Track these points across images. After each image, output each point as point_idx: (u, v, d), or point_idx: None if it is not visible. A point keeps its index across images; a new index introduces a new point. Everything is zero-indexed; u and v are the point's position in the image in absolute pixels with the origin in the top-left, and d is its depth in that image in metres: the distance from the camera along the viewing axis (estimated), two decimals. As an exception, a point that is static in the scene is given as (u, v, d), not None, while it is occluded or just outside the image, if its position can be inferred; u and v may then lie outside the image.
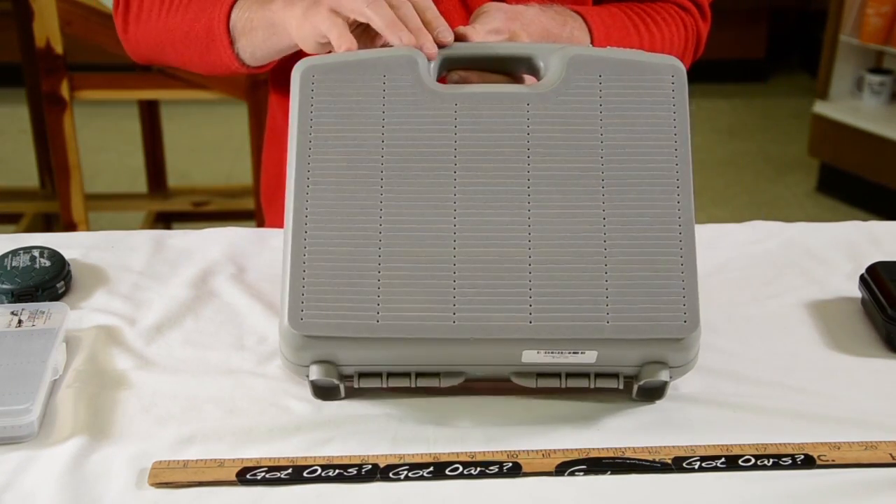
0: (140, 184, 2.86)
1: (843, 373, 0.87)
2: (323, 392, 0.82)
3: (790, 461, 0.76)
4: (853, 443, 0.78)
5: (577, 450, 0.77)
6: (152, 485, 0.73)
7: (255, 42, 0.99)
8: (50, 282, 0.95)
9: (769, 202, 3.17)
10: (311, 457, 0.76)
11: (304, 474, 0.74)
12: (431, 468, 0.75)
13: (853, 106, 3.09)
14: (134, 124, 2.76)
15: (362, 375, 0.80)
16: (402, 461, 0.76)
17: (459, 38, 0.90)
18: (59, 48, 2.06)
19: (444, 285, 0.78)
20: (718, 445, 0.77)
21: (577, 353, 0.78)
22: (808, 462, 0.76)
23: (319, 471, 0.75)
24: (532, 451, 0.77)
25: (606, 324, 0.77)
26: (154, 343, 0.90)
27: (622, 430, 0.80)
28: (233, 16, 1.00)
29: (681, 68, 0.84)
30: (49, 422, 0.79)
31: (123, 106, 3.15)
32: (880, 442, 0.78)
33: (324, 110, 0.82)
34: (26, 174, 2.93)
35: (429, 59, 0.84)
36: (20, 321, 0.87)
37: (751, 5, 3.87)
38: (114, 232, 1.09)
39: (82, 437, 0.77)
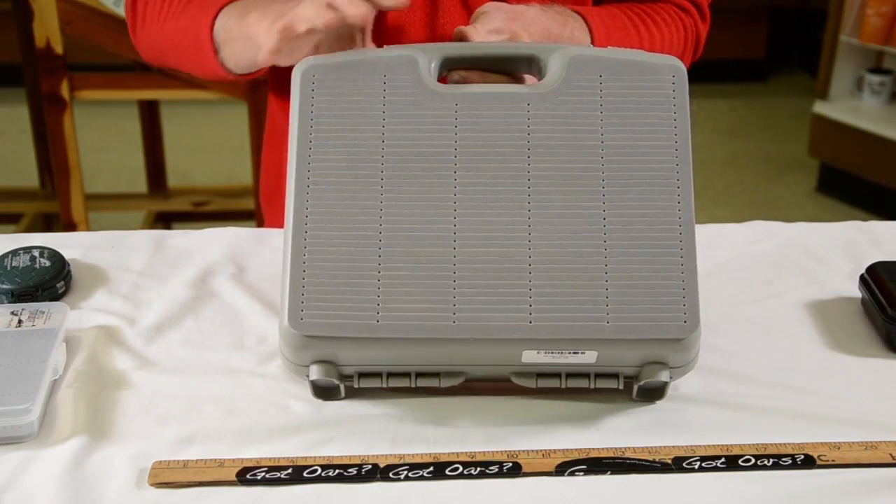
0: (140, 184, 2.86)
1: (843, 373, 0.87)
2: (323, 392, 0.82)
3: (790, 461, 0.76)
4: (853, 443, 0.78)
5: (577, 450, 0.77)
6: (152, 485, 0.73)
7: (236, 53, 0.99)
8: (50, 282, 0.95)
9: (769, 202, 3.17)
10: (311, 457, 0.76)
11: (304, 474, 0.74)
12: (431, 468, 0.75)
13: (853, 106, 3.09)
14: (134, 124, 2.76)
15: (362, 375, 0.80)
16: (402, 461, 0.76)
17: (460, 37, 0.90)
18: (59, 48, 2.06)
19: (444, 285, 0.78)
20: (718, 445, 0.77)
21: (577, 353, 0.78)
22: (808, 462, 0.76)
23: (319, 471, 0.75)
24: (532, 451, 0.77)
25: (606, 324, 0.77)
26: (154, 343, 0.90)
27: (622, 430, 0.80)
28: (216, 24, 1.00)
29: (681, 68, 0.84)
30: (49, 422, 0.79)
31: (123, 106, 3.15)
32: (880, 442, 0.78)
33: (324, 110, 0.83)
34: (26, 174, 2.93)
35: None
36: (20, 321, 0.87)
37: (751, 5, 3.87)
38: (114, 232, 1.09)
39: (82, 437, 0.77)
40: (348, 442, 0.78)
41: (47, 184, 2.59)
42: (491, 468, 0.75)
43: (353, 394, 0.82)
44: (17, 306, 0.89)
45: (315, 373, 0.79)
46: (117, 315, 0.93)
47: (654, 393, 0.82)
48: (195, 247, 1.04)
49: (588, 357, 0.78)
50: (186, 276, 0.99)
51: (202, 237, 1.06)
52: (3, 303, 0.93)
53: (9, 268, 0.95)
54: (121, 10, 2.08)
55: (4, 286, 0.93)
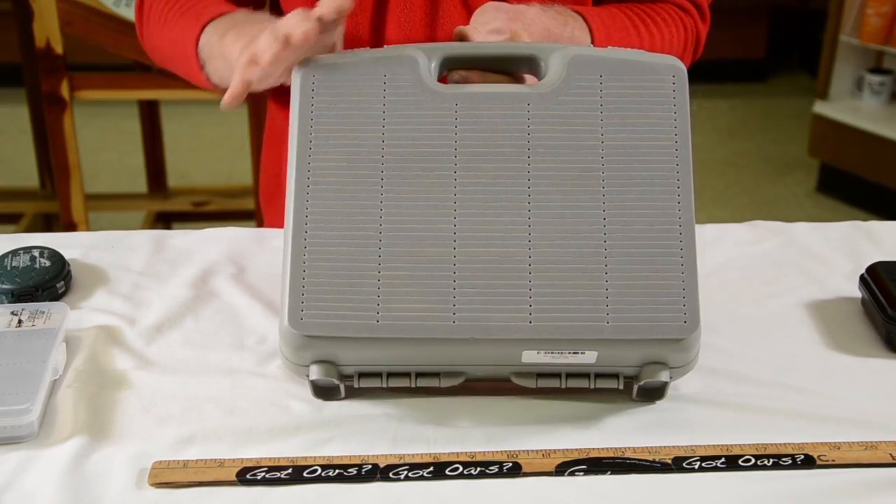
0: (140, 184, 2.85)
1: (843, 373, 0.87)
2: (323, 392, 0.82)
3: (790, 461, 0.76)
4: (853, 443, 0.78)
5: (577, 450, 0.77)
6: (152, 485, 0.73)
7: (218, 70, 0.99)
8: (50, 282, 0.95)
9: (769, 202, 3.17)
10: (311, 457, 0.76)
11: (304, 474, 0.74)
12: (431, 468, 0.75)
13: (853, 106, 3.09)
14: (134, 124, 2.76)
15: (362, 375, 0.80)
16: (402, 461, 0.76)
17: (460, 37, 0.90)
18: (59, 48, 2.06)
19: (444, 285, 0.78)
20: (718, 445, 0.77)
21: (577, 353, 0.78)
22: (808, 462, 0.76)
23: (319, 471, 0.74)
24: (532, 451, 0.77)
25: (606, 324, 0.77)
26: (154, 343, 0.90)
27: (622, 430, 0.80)
28: (201, 40, 1.00)
29: (681, 68, 0.84)
30: (49, 422, 0.79)
31: (123, 106, 3.15)
32: (880, 442, 0.78)
33: (324, 110, 0.82)
34: (26, 174, 2.93)
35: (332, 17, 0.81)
36: (20, 321, 0.87)
37: (751, 5, 3.87)
38: (114, 232, 1.09)
39: (82, 437, 0.77)
40: (348, 442, 0.78)
41: (47, 184, 2.59)
42: (491, 468, 0.75)
43: (353, 394, 0.82)
44: (17, 306, 0.89)
45: (315, 373, 0.79)
46: (117, 315, 0.93)
47: (654, 393, 0.82)
48: (195, 247, 1.04)
49: (588, 357, 0.78)
50: (186, 276, 0.99)
51: (202, 237, 1.06)
52: (3, 303, 0.93)
53: (9, 268, 0.95)
54: (121, 10, 2.08)
55: (4, 286, 0.93)
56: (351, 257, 0.79)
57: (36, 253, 0.97)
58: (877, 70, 3.12)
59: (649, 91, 0.83)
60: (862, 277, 0.96)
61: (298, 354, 0.79)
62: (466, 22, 1.03)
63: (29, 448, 0.77)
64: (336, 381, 0.80)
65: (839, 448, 0.77)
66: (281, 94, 1.19)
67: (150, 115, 2.56)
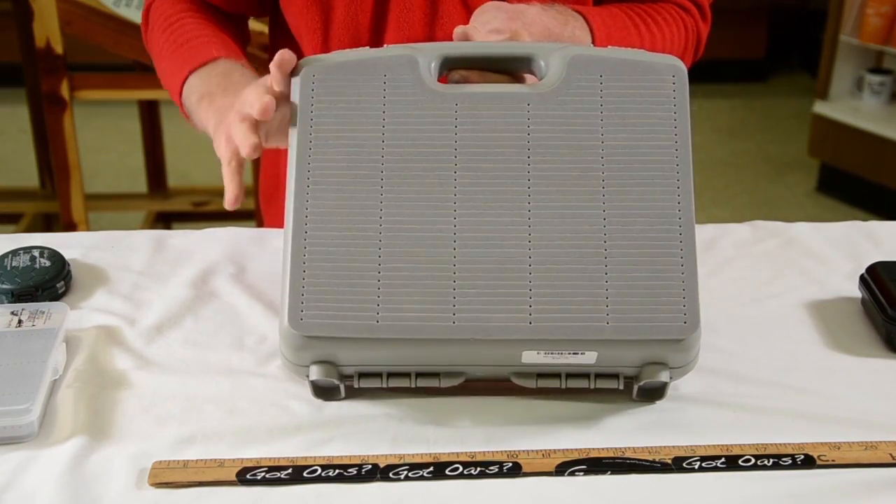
0: (140, 184, 2.85)
1: (843, 373, 0.87)
2: (323, 392, 0.82)
3: (790, 461, 0.76)
4: (853, 443, 0.78)
5: (577, 450, 0.77)
6: (152, 485, 0.73)
7: (200, 125, 1.01)
8: (50, 282, 0.95)
9: (769, 202, 3.17)
10: (311, 457, 0.76)
11: (304, 474, 0.74)
12: (431, 468, 0.75)
13: (853, 106, 3.09)
14: (134, 124, 2.76)
15: (362, 375, 0.80)
16: (402, 461, 0.76)
17: (461, 37, 0.90)
18: (59, 48, 2.06)
19: (444, 286, 0.78)
20: (718, 445, 0.77)
21: (576, 353, 0.78)
22: (808, 462, 0.76)
23: (319, 471, 0.74)
24: (532, 451, 0.77)
25: (606, 324, 0.77)
26: (154, 343, 0.90)
27: (622, 430, 0.80)
28: (184, 92, 1.02)
29: (682, 68, 0.84)
30: (49, 422, 0.79)
31: (123, 106, 3.15)
32: (880, 442, 0.78)
33: (324, 110, 0.82)
34: (26, 174, 2.93)
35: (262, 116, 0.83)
36: (20, 321, 0.87)
37: (751, 5, 3.86)
38: (114, 232, 1.09)
39: (82, 437, 0.77)
40: (348, 442, 0.78)
41: (47, 184, 2.59)
42: (491, 468, 0.75)
43: (353, 394, 0.82)
44: (17, 306, 0.89)
45: (315, 373, 0.79)
46: (117, 315, 0.93)
47: (654, 393, 0.82)
48: (195, 247, 1.04)
49: (588, 357, 0.78)
50: (186, 276, 0.99)
51: (202, 237, 1.06)
52: (3, 303, 0.93)
53: (9, 268, 0.95)
54: (121, 10, 2.08)
55: (4, 286, 0.93)
56: (351, 257, 0.79)
57: (36, 253, 0.97)
58: (877, 70, 3.11)
59: (649, 91, 0.83)
60: (862, 277, 0.96)
61: (298, 355, 0.79)
62: (466, 22, 1.03)
63: (29, 448, 0.77)
64: (336, 382, 0.80)
65: (839, 448, 0.77)
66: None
67: (150, 115, 2.56)
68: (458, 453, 0.76)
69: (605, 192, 0.81)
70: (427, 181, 0.81)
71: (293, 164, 0.81)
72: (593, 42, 1.01)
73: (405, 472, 0.75)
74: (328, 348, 0.78)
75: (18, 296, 0.93)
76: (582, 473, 0.75)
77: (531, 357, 0.78)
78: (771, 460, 0.76)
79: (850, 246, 1.07)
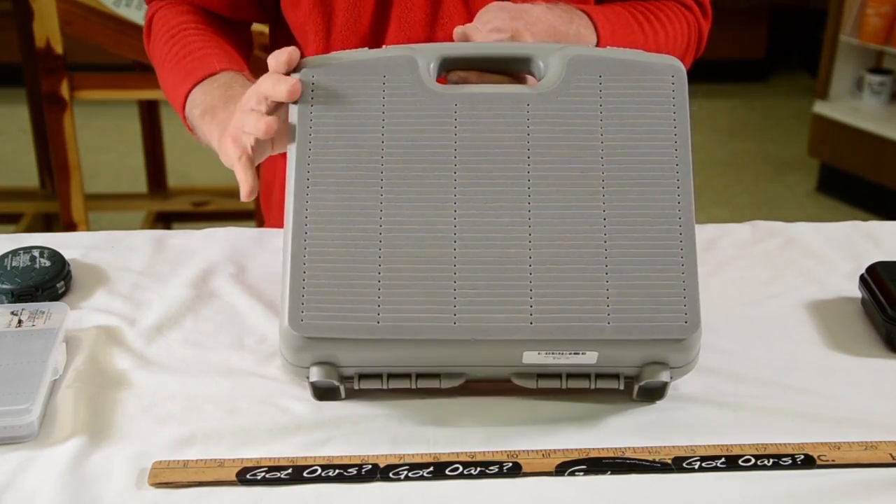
0: (140, 184, 2.85)
1: (843, 373, 0.87)
2: (323, 393, 0.82)
3: (790, 461, 0.76)
4: (853, 443, 0.78)
5: (577, 450, 0.77)
6: (152, 485, 0.73)
7: (203, 139, 1.01)
8: (50, 282, 0.95)
9: (769, 202, 3.16)
10: (311, 457, 0.76)
11: (304, 474, 0.74)
12: (431, 468, 0.75)
13: (853, 106, 3.09)
14: (134, 124, 2.76)
15: (362, 377, 0.80)
16: (402, 461, 0.76)
17: (462, 37, 0.90)
18: (59, 48, 2.06)
19: (444, 286, 0.78)
20: (718, 445, 0.77)
21: (577, 353, 0.78)
22: (808, 462, 0.76)
23: (319, 471, 0.74)
24: (532, 451, 0.77)
25: (607, 325, 0.77)
26: (154, 343, 0.90)
27: (622, 430, 0.80)
28: (187, 107, 1.02)
29: (681, 68, 0.84)
30: (49, 422, 0.79)
31: (123, 106, 3.15)
32: (880, 442, 0.78)
33: (323, 111, 0.82)
34: (26, 174, 2.93)
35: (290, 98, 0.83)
36: (20, 321, 0.87)
37: (751, 5, 3.86)
38: (114, 232, 1.09)
39: (82, 437, 0.77)
40: (348, 442, 0.78)
41: (47, 184, 2.59)
42: (491, 468, 0.75)
43: (353, 394, 0.82)
44: (17, 306, 0.89)
45: (315, 374, 0.79)
46: (117, 315, 0.93)
47: (654, 393, 0.82)
48: (195, 247, 1.04)
49: (588, 358, 0.78)
50: (186, 276, 0.99)
51: (202, 237, 1.06)
52: (3, 303, 0.93)
53: (9, 268, 0.95)
54: (121, 10, 2.08)
55: (4, 286, 0.93)
56: (351, 258, 0.79)
57: (36, 253, 0.97)
58: (877, 70, 3.11)
59: (649, 91, 0.83)
60: (862, 277, 0.96)
61: (298, 356, 0.79)
62: (467, 22, 1.03)
63: (29, 448, 0.77)
64: (336, 383, 0.80)
65: (839, 448, 0.77)
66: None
67: (150, 115, 2.56)
68: (458, 453, 0.76)
69: (605, 192, 0.81)
70: (427, 182, 0.81)
71: (292, 166, 0.81)
72: (598, 40, 1.01)
73: (405, 472, 0.75)
74: (328, 349, 0.78)
75: (18, 296, 0.93)
76: (582, 473, 0.75)
77: (532, 357, 0.78)
78: (771, 460, 0.76)
79: (850, 246, 1.07)
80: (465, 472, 0.75)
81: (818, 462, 0.76)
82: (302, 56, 0.86)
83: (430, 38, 1.07)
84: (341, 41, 1.07)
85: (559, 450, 0.77)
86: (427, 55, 0.85)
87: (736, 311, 0.96)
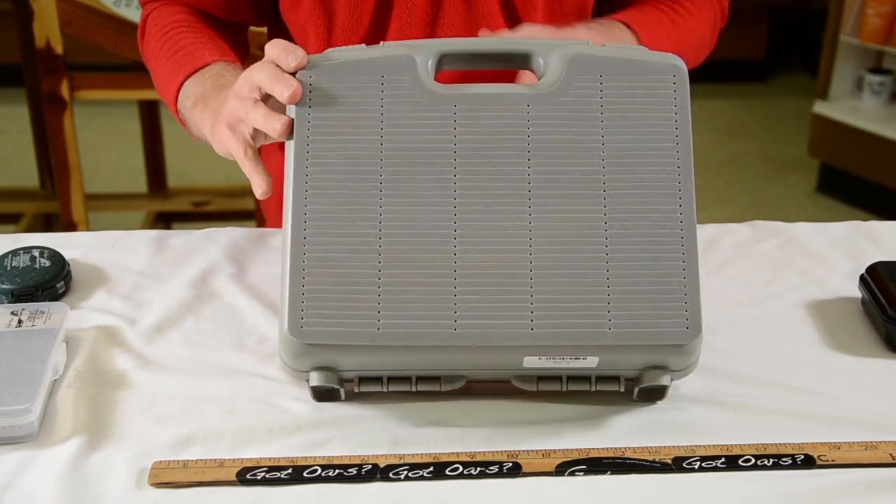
0: (140, 184, 2.85)
1: (843, 373, 0.87)
2: (323, 395, 0.81)
3: (790, 461, 0.76)
4: (853, 443, 0.77)
5: (577, 450, 0.77)
6: (152, 485, 0.73)
7: (195, 130, 1.01)
8: (50, 282, 0.95)
9: (769, 202, 3.16)
10: (311, 457, 0.76)
11: (304, 474, 0.74)
12: (431, 468, 0.75)
13: (853, 106, 3.09)
14: (134, 124, 2.76)
15: (363, 380, 0.80)
16: (402, 461, 0.75)
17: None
18: (59, 48, 2.06)
19: (444, 292, 0.77)
20: (718, 445, 0.77)
21: (578, 358, 0.78)
22: (808, 462, 0.76)
23: (319, 471, 0.74)
24: (532, 451, 0.77)
25: (608, 330, 0.77)
26: (154, 343, 0.90)
27: (622, 430, 0.80)
28: (179, 99, 1.01)
29: (682, 68, 0.83)
30: (49, 422, 0.79)
31: (123, 106, 3.15)
32: (880, 442, 0.78)
33: (321, 113, 0.81)
34: (26, 174, 2.93)
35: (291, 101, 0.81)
36: (20, 321, 0.87)
37: (751, 5, 3.86)
38: (114, 232, 1.09)
39: (82, 437, 0.77)
40: (348, 442, 0.78)
41: (47, 184, 2.59)
42: (491, 468, 0.75)
43: (353, 395, 0.82)
44: (17, 306, 0.89)
45: (315, 379, 0.79)
46: (117, 315, 0.93)
47: (654, 394, 0.81)
48: (195, 247, 1.04)
49: (589, 362, 0.78)
50: (186, 276, 0.99)
51: (202, 237, 1.06)
52: (3, 303, 0.93)
53: (9, 268, 0.95)
54: (121, 10, 2.07)
55: (4, 286, 0.93)
56: (350, 264, 0.78)
57: (36, 253, 0.97)
58: (877, 70, 3.11)
59: (650, 91, 0.82)
60: (862, 277, 0.96)
61: (298, 361, 0.79)
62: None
63: (29, 448, 0.77)
64: (336, 386, 0.79)
65: (839, 448, 0.77)
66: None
67: (150, 115, 2.56)
68: (458, 453, 0.76)
69: (606, 195, 0.80)
70: (426, 185, 0.80)
71: (291, 169, 0.80)
72: (638, 40, 1.02)
73: (405, 472, 0.75)
74: (328, 355, 0.78)
75: (18, 296, 0.93)
76: (582, 473, 0.75)
77: (532, 362, 0.78)
78: (771, 460, 0.76)
79: (850, 246, 1.07)
80: (465, 472, 0.75)
81: (818, 462, 0.76)
82: None
83: (431, 38, 1.06)
84: (342, 42, 1.07)
85: (559, 450, 0.77)
86: (425, 52, 0.84)
87: (736, 311, 0.96)
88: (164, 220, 2.66)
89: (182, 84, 1.01)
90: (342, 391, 0.81)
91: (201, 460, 0.75)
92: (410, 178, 0.80)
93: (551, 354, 0.77)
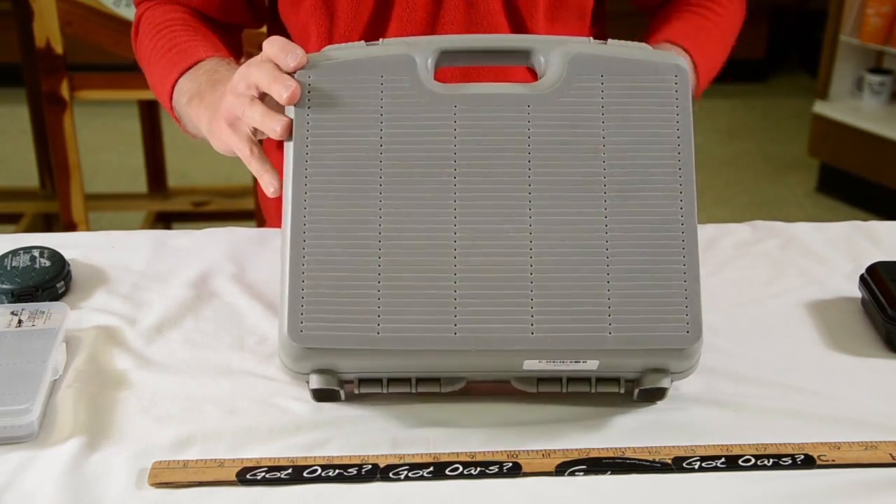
0: (140, 184, 2.85)
1: (843, 373, 0.87)
2: (323, 396, 0.81)
3: (790, 461, 0.76)
4: (853, 443, 0.77)
5: (577, 450, 0.77)
6: (152, 485, 0.73)
7: (191, 127, 1.01)
8: (50, 282, 0.95)
9: (769, 202, 3.16)
10: (311, 457, 0.76)
11: (304, 474, 0.74)
12: (431, 468, 0.75)
13: (853, 106, 3.09)
14: (134, 124, 2.76)
15: (363, 381, 0.80)
16: (402, 461, 0.75)
17: None
18: (59, 48, 2.06)
19: (444, 296, 0.77)
20: (718, 445, 0.77)
21: (578, 362, 0.78)
22: (808, 462, 0.76)
23: (319, 471, 0.74)
24: (532, 451, 0.76)
25: (608, 334, 0.76)
26: (154, 343, 0.90)
27: (622, 430, 0.80)
28: (174, 96, 1.01)
29: (684, 68, 0.83)
30: (49, 422, 0.79)
31: (123, 106, 3.15)
32: (880, 442, 0.78)
33: (320, 113, 0.81)
34: (26, 174, 2.93)
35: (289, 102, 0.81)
36: (20, 321, 0.87)
37: (751, 5, 3.86)
38: (114, 232, 1.09)
39: (82, 437, 0.77)
40: (348, 442, 0.78)
41: (47, 184, 2.59)
42: (491, 468, 0.75)
43: (353, 396, 0.82)
44: (17, 306, 0.89)
45: (315, 382, 0.78)
46: (117, 315, 0.93)
47: (654, 394, 0.81)
48: (195, 247, 1.04)
49: (590, 365, 0.78)
50: (186, 276, 0.99)
51: (202, 237, 1.06)
52: (3, 303, 0.93)
53: (9, 268, 0.95)
54: (121, 10, 2.08)
55: (4, 286, 0.93)
56: (350, 267, 0.78)
57: (36, 253, 0.97)
58: (877, 70, 3.11)
59: (651, 91, 0.82)
60: (862, 277, 0.96)
61: (298, 364, 0.78)
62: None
63: (29, 448, 0.77)
64: (336, 388, 0.79)
65: (839, 448, 0.77)
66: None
67: (150, 115, 2.56)
68: (458, 453, 0.76)
69: (607, 196, 0.80)
70: (426, 187, 0.79)
71: (290, 171, 0.79)
72: (693, 61, 1.03)
73: (405, 472, 0.75)
74: (328, 358, 0.77)
75: (18, 296, 0.93)
76: (582, 473, 0.75)
77: (532, 365, 0.78)
78: (771, 460, 0.76)
79: (850, 246, 1.06)
80: (465, 472, 0.75)
81: (818, 462, 0.76)
82: None
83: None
84: (343, 41, 1.07)
85: (559, 450, 0.77)
86: (425, 50, 0.83)
87: (736, 311, 0.95)
88: (164, 220, 2.66)
89: (177, 81, 1.00)
90: (342, 392, 0.81)
91: (201, 460, 0.75)
92: (410, 179, 0.80)
93: (551, 358, 0.77)
